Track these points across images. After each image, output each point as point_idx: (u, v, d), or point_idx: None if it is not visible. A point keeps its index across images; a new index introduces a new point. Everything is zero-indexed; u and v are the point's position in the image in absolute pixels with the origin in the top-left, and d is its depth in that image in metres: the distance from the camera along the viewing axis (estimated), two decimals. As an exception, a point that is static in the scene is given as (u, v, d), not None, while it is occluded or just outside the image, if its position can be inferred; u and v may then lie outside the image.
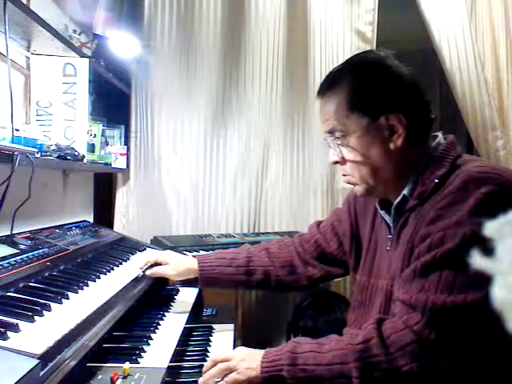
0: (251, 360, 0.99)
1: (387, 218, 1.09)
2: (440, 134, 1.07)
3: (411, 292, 0.91)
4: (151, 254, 1.48)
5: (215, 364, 1.02)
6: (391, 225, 1.07)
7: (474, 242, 0.91)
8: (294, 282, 1.34)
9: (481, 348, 0.89)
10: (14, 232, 1.33)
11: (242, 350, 1.05)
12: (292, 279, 1.33)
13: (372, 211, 1.16)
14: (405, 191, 1.02)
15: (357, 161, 1.02)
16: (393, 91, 1.01)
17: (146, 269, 1.39)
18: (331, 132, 1.04)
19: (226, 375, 0.99)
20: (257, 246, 1.42)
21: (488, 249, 0.32)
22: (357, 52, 2.48)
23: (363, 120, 1.00)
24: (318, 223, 1.38)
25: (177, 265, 1.37)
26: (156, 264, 1.40)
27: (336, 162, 1.07)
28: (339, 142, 1.03)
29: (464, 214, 0.88)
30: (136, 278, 1.36)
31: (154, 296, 1.51)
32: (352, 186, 1.10)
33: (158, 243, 2.11)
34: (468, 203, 0.88)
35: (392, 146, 1.00)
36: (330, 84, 1.06)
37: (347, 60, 1.10)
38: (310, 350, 0.97)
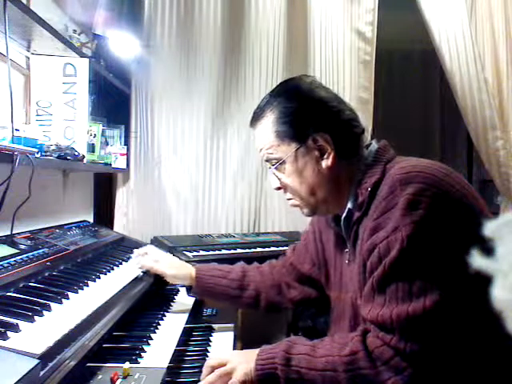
0: (247, 360, 1.00)
1: (341, 232, 1.11)
2: (373, 142, 1.09)
3: (375, 310, 0.93)
4: (153, 253, 1.47)
5: (212, 370, 1.02)
6: (346, 238, 1.10)
7: (414, 242, 0.92)
8: (280, 304, 1.36)
9: (461, 348, 0.90)
10: (14, 232, 1.32)
11: (237, 352, 1.07)
12: (279, 300, 1.36)
13: (333, 227, 1.18)
14: (349, 204, 1.05)
15: (294, 185, 1.07)
16: (313, 114, 1.05)
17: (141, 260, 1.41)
18: (267, 161, 1.10)
19: (225, 380, 1.00)
20: (251, 265, 1.43)
21: (487, 249, 0.32)
22: (357, 52, 2.52)
23: (292, 145, 1.05)
24: (294, 247, 1.41)
25: (176, 266, 1.39)
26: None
27: (278, 188, 1.11)
28: (276, 170, 1.09)
29: (398, 218, 0.90)
30: (136, 278, 1.36)
31: (154, 296, 1.51)
32: None
33: (158, 243, 2.11)
34: (398, 207, 0.90)
35: (324, 164, 1.04)
36: (257, 117, 1.11)
37: (270, 91, 1.15)
38: (305, 352, 0.98)
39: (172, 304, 1.49)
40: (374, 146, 1.08)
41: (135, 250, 1.48)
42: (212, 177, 2.45)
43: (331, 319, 1.23)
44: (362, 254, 0.99)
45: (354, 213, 1.04)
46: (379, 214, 0.94)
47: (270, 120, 1.07)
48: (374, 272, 0.94)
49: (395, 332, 0.89)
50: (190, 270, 1.37)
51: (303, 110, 1.05)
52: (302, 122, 1.05)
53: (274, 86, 1.16)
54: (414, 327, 0.88)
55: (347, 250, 1.10)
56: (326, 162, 1.04)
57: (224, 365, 1.01)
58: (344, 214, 1.06)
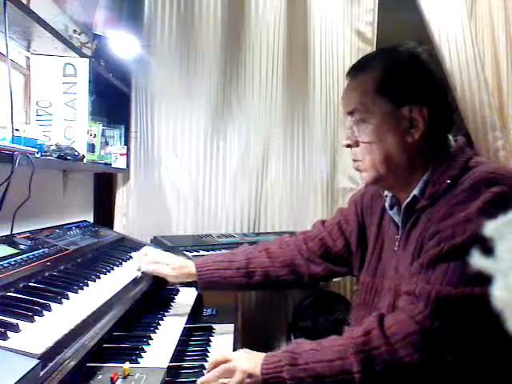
0: (252, 361, 0.99)
1: (396, 218, 1.08)
2: (450, 137, 1.06)
3: (416, 283, 0.91)
4: (152, 254, 1.44)
5: (216, 365, 1.01)
6: (400, 225, 1.07)
7: (482, 238, 0.90)
8: (295, 281, 1.33)
9: (484, 342, 0.88)
10: (14, 232, 1.32)
11: (243, 352, 1.04)
12: (293, 278, 1.32)
13: (379, 211, 1.16)
14: (415, 191, 1.02)
15: (371, 145, 1.02)
16: (422, 84, 1.01)
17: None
18: (352, 112, 1.05)
19: (226, 377, 0.99)
20: (256, 246, 1.40)
21: (488, 249, 0.32)
22: (357, 52, 2.52)
23: (387, 106, 1.01)
24: (323, 222, 1.37)
25: (176, 266, 1.35)
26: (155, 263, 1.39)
27: (349, 146, 1.07)
28: (358, 124, 1.04)
29: (474, 211, 0.88)
30: (135, 278, 1.36)
31: (153, 296, 1.51)
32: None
33: (158, 243, 2.11)
34: (478, 201, 0.88)
35: (409, 138, 1.00)
36: (362, 66, 1.07)
37: (383, 47, 1.13)
38: (310, 348, 0.96)
39: (172, 304, 1.49)
40: (451, 140, 1.05)
41: (134, 255, 1.45)
42: (212, 177, 2.45)
43: (356, 303, 1.20)
44: (422, 240, 0.96)
45: (419, 200, 1.01)
46: (454, 204, 0.92)
47: (375, 73, 1.02)
48: (428, 252, 0.91)
49: (428, 307, 0.87)
50: (190, 268, 1.34)
51: (413, 76, 1.01)
52: (406, 87, 1.00)
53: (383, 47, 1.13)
54: (451, 309, 0.86)
55: (398, 236, 1.07)
56: (413, 137, 1.00)
57: (228, 362, 1.01)
58: (408, 200, 1.03)
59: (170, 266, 1.36)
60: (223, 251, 2.05)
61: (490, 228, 0.33)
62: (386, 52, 1.10)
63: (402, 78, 1.02)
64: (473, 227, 0.87)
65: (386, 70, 1.02)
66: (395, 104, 1.00)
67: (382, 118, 1.01)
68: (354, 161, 1.08)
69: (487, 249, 0.32)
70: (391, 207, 1.10)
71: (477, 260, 0.31)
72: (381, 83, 1.01)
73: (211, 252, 2.02)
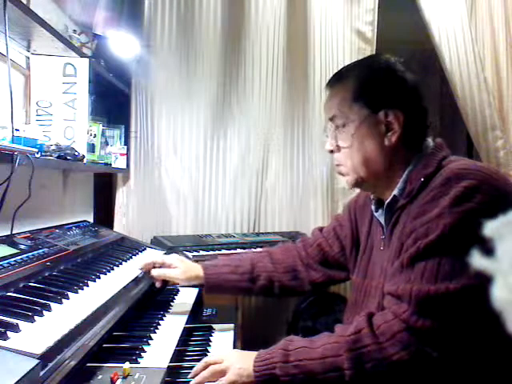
0: (244, 361, 0.99)
1: (381, 218, 1.12)
2: (429, 139, 1.10)
3: (397, 284, 0.94)
4: (157, 256, 1.45)
5: (207, 366, 1.02)
6: (384, 225, 1.10)
7: (455, 232, 0.92)
8: (297, 287, 1.36)
9: (471, 335, 0.90)
10: (14, 232, 1.33)
11: (235, 352, 1.06)
12: (295, 284, 1.36)
13: (369, 214, 1.20)
14: (395, 191, 1.06)
15: (351, 149, 1.07)
16: (395, 90, 1.06)
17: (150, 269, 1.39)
18: (332, 119, 1.10)
19: (217, 378, 0.99)
20: (260, 251, 1.44)
21: (488, 249, 0.32)
22: (357, 52, 2.52)
23: (363, 111, 1.05)
24: (321, 228, 1.41)
25: (186, 270, 1.36)
26: (162, 266, 1.39)
27: (331, 151, 1.12)
28: (337, 130, 1.09)
29: (445, 205, 0.91)
30: (136, 278, 1.36)
31: (154, 296, 1.51)
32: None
33: (158, 243, 2.11)
34: (449, 196, 0.92)
35: (386, 141, 1.05)
36: (339, 77, 1.13)
37: (358, 60, 1.20)
38: (302, 346, 0.98)
39: (172, 304, 1.49)
40: (430, 142, 1.09)
41: (141, 264, 1.43)
42: (212, 177, 2.45)
43: (348, 303, 1.24)
44: (401, 238, 0.99)
45: (398, 200, 1.05)
46: (427, 201, 0.95)
47: (351, 82, 1.08)
48: (407, 251, 0.95)
49: (410, 306, 0.90)
50: (198, 271, 1.36)
51: (387, 83, 1.07)
52: (381, 93, 1.06)
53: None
54: (431, 306, 0.89)
55: (383, 236, 1.10)
56: (389, 140, 1.04)
57: (220, 363, 1.01)
58: (388, 200, 1.07)
59: (181, 269, 1.37)
60: (223, 251, 2.05)
61: (490, 228, 0.33)
62: (361, 62, 1.17)
63: (377, 85, 1.07)
64: (444, 222, 0.90)
65: (361, 77, 1.08)
66: (371, 109, 1.05)
67: (360, 123, 1.06)
68: (337, 165, 1.13)
69: (482, 249, 0.32)
70: (376, 209, 1.14)
71: (476, 260, 0.31)
72: (357, 90, 1.07)
73: (211, 252, 2.02)
